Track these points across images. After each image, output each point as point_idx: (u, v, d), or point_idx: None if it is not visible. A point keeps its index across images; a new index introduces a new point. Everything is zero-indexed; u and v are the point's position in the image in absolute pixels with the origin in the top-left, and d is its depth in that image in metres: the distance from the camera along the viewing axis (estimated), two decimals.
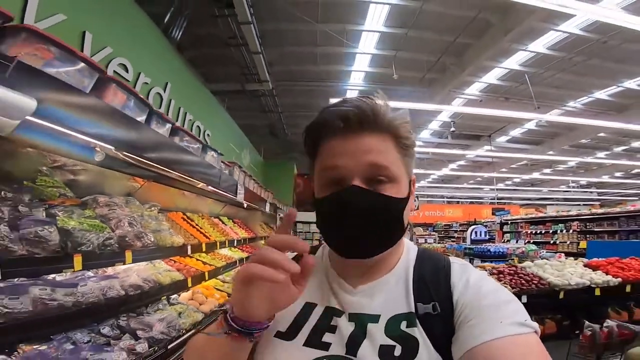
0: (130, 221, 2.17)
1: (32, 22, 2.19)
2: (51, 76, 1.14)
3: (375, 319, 0.64)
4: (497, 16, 6.82)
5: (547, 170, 18.87)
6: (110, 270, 2.10)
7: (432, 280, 0.66)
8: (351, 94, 9.68)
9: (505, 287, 3.24)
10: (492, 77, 9.10)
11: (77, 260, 1.53)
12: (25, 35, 1.12)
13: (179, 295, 2.86)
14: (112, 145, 1.48)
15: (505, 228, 12.27)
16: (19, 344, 1.40)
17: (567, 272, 2.78)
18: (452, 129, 11.32)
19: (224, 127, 6.57)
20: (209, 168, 2.72)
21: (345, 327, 0.63)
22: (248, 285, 0.54)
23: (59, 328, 1.53)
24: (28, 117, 1.07)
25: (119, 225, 2.04)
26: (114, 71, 2.80)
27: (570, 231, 9.76)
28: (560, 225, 10.01)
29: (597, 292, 2.70)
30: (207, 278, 3.23)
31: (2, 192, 1.47)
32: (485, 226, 11.65)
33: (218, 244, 3.74)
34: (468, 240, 10.24)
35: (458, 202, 25.29)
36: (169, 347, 2.06)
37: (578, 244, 9.02)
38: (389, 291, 0.67)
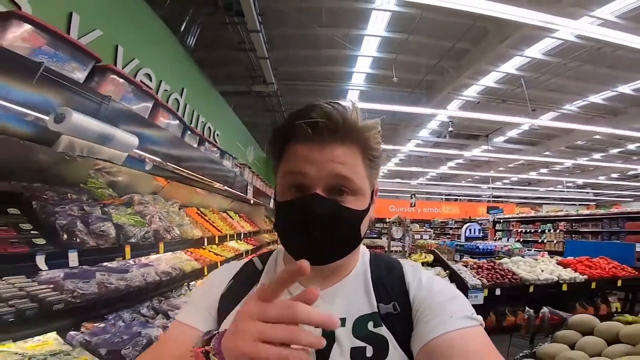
0: (160, 217, 2.53)
1: (75, 37, 2.50)
2: (132, 110, 1.48)
3: (341, 322, 0.64)
4: (493, 24, 7.09)
5: (544, 170, 19.18)
6: (143, 260, 2.47)
7: (388, 281, 0.69)
8: (352, 94, 10.00)
9: (482, 280, 3.62)
10: (490, 80, 9.36)
11: (127, 250, 1.89)
12: (110, 74, 1.45)
13: (196, 283, 3.23)
14: (160, 158, 1.83)
15: (498, 226, 12.66)
16: (82, 323, 1.76)
17: (538, 268, 3.12)
18: (450, 128, 11.66)
19: (230, 127, 6.91)
20: (228, 172, 3.08)
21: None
22: None
23: (113, 308, 1.90)
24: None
25: (152, 221, 2.40)
26: (141, 80, 3.13)
27: (557, 231, 10.18)
28: (548, 225, 10.42)
29: (565, 287, 3.03)
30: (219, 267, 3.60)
31: (69, 195, 1.82)
32: (480, 224, 12.02)
33: (228, 236, 4.11)
34: (463, 237, 10.59)
35: (456, 200, 25.63)
36: None
37: (564, 243, 9.38)
38: (349, 294, 0.68)
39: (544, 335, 2.29)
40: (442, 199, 24.98)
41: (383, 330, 0.63)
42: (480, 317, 0.61)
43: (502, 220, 12.81)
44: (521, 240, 10.49)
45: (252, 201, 4.94)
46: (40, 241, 1.40)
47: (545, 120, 10.95)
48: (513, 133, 13.60)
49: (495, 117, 8.58)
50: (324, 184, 0.60)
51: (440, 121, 12.55)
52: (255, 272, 0.76)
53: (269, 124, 10.60)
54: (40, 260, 1.33)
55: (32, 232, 1.42)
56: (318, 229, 0.59)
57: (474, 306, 0.64)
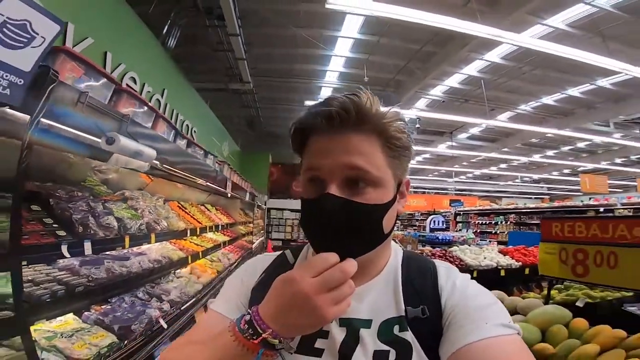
0: (149, 210, 2.79)
1: (70, 45, 2.68)
2: (144, 125, 1.75)
3: (367, 324, 0.64)
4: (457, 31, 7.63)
5: (503, 165, 20.42)
6: (135, 249, 2.73)
7: (419, 283, 0.67)
8: (325, 91, 10.36)
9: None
10: (454, 81, 9.99)
11: (127, 240, 2.17)
12: (126, 96, 1.71)
13: (181, 270, 3.51)
14: (157, 161, 2.11)
15: (459, 218, 13.55)
16: (91, 305, 2.03)
17: (482, 256, 3.64)
18: (417, 125, 12.33)
19: (207, 123, 7.10)
20: (211, 170, 3.37)
21: (337, 332, 0.63)
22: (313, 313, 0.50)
23: (116, 292, 2.18)
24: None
25: (144, 214, 2.66)
26: (127, 84, 3.32)
27: (508, 222, 11.13)
28: (501, 217, 11.38)
29: (502, 273, 3.53)
30: (200, 257, 3.88)
31: (75, 192, 2.06)
32: (444, 216, 12.82)
33: (207, 228, 4.38)
34: (427, 229, 11.27)
35: (424, 192, 26.70)
36: (182, 307, 2.75)
37: None
38: (378, 294, 0.67)
39: None
40: (410, 192, 25.84)
41: (408, 335, 0.62)
42: (517, 326, 0.58)
43: (462, 213, 13.72)
44: (478, 231, 11.36)
45: (229, 194, 5.21)
46: (62, 233, 1.67)
47: (501, 120, 11.83)
48: (475, 130, 14.48)
49: (454, 117, 9.28)
50: (339, 177, 0.59)
51: (408, 117, 13.17)
52: (286, 265, 0.77)
53: (243, 118, 10.76)
54: (64, 249, 1.60)
55: (53, 225, 1.68)
56: (332, 229, 0.58)
57: None
